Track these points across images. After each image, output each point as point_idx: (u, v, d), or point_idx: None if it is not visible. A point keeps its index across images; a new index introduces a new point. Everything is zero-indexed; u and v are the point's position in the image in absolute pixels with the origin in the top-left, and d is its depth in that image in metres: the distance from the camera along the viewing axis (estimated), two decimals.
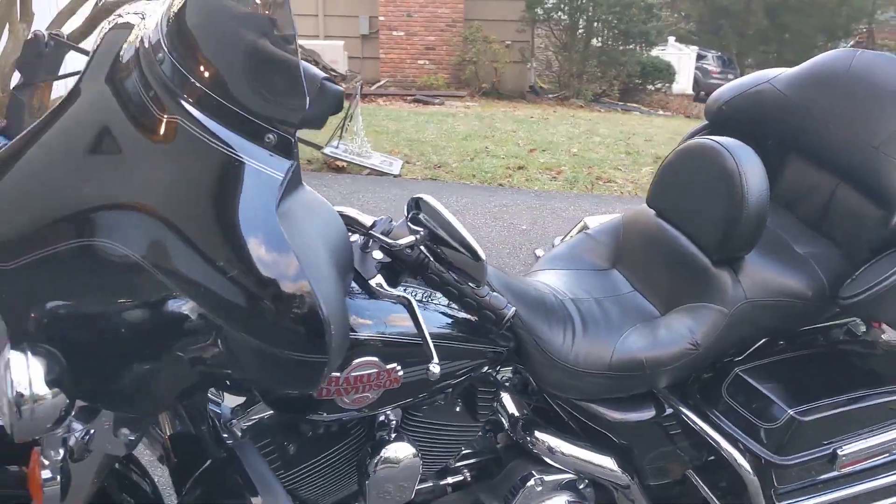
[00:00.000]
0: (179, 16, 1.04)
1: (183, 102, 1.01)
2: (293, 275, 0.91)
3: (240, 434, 1.32)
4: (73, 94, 1.15)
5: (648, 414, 1.65)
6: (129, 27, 1.16)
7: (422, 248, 1.09)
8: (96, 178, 1.02)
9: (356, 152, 5.95)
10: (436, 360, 1.12)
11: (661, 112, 16.93)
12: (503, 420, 1.62)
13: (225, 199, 0.95)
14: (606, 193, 6.14)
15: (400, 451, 1.36)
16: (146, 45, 1.11)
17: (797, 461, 1.58)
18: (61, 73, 1.69)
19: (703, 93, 22.71)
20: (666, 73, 19.20)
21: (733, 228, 1.56)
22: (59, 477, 1.09)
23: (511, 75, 16.38)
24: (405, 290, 1.22)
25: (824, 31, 26.67)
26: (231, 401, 1.37)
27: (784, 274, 1.64)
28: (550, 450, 1.59)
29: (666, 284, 1.70)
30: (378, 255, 1.14)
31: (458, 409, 1.51)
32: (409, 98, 12.85)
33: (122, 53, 1.17)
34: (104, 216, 0.99)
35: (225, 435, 1.31)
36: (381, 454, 1.34)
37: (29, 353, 0.97)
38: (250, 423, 1.34)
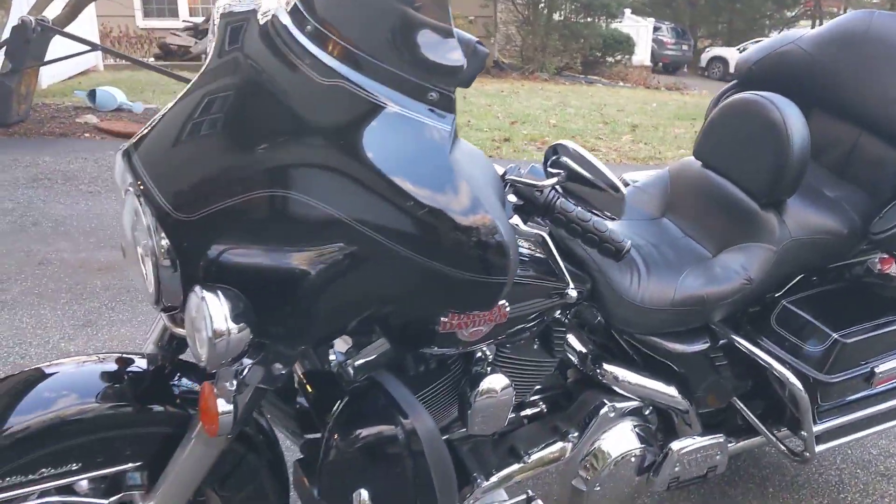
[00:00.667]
0: None
1: (344, 68, 1.13)
2: (476, 209, 1.05)
3: (352, 372, 1.45)
4: (218, 67, 1.28)
5: (704, 345, 1.82)
6: (246, 5, 1.29)
7: (556, 188, 1.24)
8: (269, 139, 1.14)
9: None
10: (572, 285, 1.28)
11: (622, 84, 17.21)
12: (571, 356, 1.78)
13: (401, 151, 1.08)
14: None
15: (497, 382, 1.51)
16: (283, 19, 1.23)
17: (840, 379, 1.78)
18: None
19: (660, 63, 23.05)
20: (626, 45, 19.50)
21: (780, 174, 1.74)
22: (232, 407, 1.22)
23: None
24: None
25: (774, 0, 27.21)
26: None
27: (822, 214, 1.83)
28: (618, 380, 1.76)
29: (716, 228, 1.88)
30: (512, 198, 1.29)
31: (535, 346, 1.67)
32: None
33: (253, 29, 1.29)
34: (281, 170, 1.12)
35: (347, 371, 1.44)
36: (481, 386, 1.48)
37: (220, 293, 1.10)
38: (361, 363, 1.47)
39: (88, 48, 5.75)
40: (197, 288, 1.11)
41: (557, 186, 1.22)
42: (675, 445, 1.84)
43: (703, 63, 24.60)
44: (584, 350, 1.78)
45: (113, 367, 1.41)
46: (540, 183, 1.23)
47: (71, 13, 5.95)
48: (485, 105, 8.97)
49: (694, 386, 1.84)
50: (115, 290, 3.26)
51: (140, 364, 1.43)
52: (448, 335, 1.37)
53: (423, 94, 1.10)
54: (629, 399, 1.79)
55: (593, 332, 1.81)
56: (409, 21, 1.13)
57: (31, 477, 1.26)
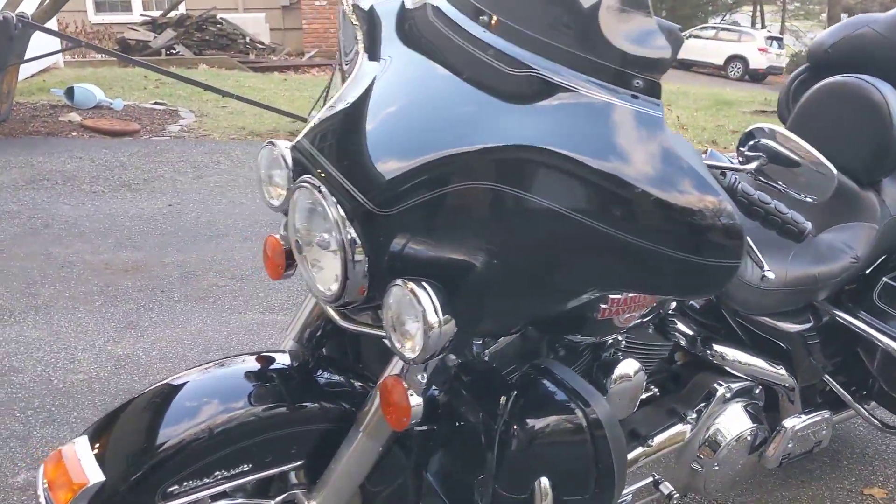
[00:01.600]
0: None
1: (536, 59, 1.12)
2: (705, 191, 1.04)
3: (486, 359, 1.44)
4: (385, 60, 1.26)
5: (809, 323, 1.87)
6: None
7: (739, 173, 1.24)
8: (469, 131, 1.11)
9: None
10: (766, 266, 1.29)
11: None
12: (682, 339, 1.80)
13: (614, 138, 1.07)
14: None
15: (631, 367, 1.52)
16: (447, 11, 1.22)
17: None
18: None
19: None
20: None
21: (882, 153, 1.79)
22: (422, 400, 1.20)
23: None
24: None
25: None
26: None
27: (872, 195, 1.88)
28: (729, 360, 1.79)
29: (816, 209, 1.92)
30: None
31: (650, 331, 1.69)
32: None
33: (414, 20, 1.28)
34: (484, 162, 1.09)
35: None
36: (616, 371, 1.49)
37: (426, 286, 1.08)
38: (495, 349, 1.46)
39: (72, 45, 5.60)
40: (401, 281, 1.09)
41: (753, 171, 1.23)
42: (788, 423, 1.88)
43: None
44: (692, 333, 1.80)
45: (257, 367, 1.39)
46: (744, 167, 1.23)
47: (51, 8, 5.76)
48: None
49: (798, 363, 1.88)
50: (148, 290, 3.19)
51: (282, 361, 1.42)
52: (604, 322, 1.38)
53: (627, 81, 1.09)
54: (740, 379, 1.81)
55: (702, 314, 1.84)
56: (611, 8, 1.12)
57: (206, 480, 1.25)
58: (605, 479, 1.36)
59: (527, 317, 1.24)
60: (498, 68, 1.14)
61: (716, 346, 1.78)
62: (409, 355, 1.12)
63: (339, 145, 1.21)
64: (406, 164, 1.13)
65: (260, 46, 13.85)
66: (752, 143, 1.24)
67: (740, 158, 1.25)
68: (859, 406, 2.03)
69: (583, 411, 1.32)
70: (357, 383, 1.44)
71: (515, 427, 1.30)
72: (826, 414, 1.95)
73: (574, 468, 1.35)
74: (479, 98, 1.15)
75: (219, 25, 13.21)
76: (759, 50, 23.65)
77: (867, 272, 1.94)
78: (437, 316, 1.07)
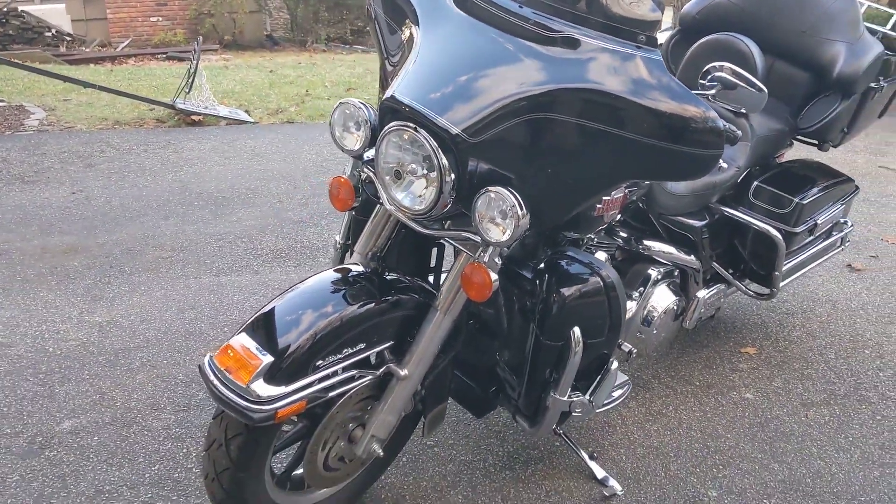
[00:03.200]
0: None
1: (565, 25, 1.62)
2: (700, 105, 1.57)
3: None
4: (449, 27, 1.70)
5: (706, 219, 2.52)
6: None
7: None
8: (524, 77, 1.59)
9: (204, 106, 6.16)
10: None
11: None
12: (621, 240, 2.37)
13: (632, 75, 1.58)
14: None
15: (602, 257, 2.10)
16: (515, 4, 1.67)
17: (800, 230, 2.56)
18: None
19: None
20: None
21: None
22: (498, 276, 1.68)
23: (249, 26, 16.41)
24: None
25: None
26: None
27: (768, 119, 2.58)
28: (655, 252, 2.40)
29: None
30: None
31: (603, 234, 2.25)
32: (161, 56, 12.48)
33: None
34: (544, 98, 1.57)
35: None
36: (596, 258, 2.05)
37: (509, 190, 1.56)
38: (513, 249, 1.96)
39: None
40: (492, 188, 1.56)
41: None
42: (700, 294, 2.53)
43: None
44: (628, 234, 2.38)
45: (348, 276, 1.81)
46: (706, 92, 1.78)
47: None
48: (298, 76, 9.21)
49: (701, 250, 2.52)
50: (97, 268, 3.38)
51: (358, 270, 1.84)
52: (598, 218, 1.93)
53: (634, 36, 1.62)
54: (664, 265, 2.43)
55: (634, 219, 2.42)
56: None
57: (338, 356, 1.66)
58: (615, 325, 1.91)
59: (572, 211, 1.75)
60: (539, 32, 1.63)
61: (646, 242, 2.38)
62: (501, 238, 1.59)
63: (431, 93, 1.62)
64: (489, 103, 1.58)
65: (68, 38, 13.22)
66: (709, 76, 1.80)
67: (701, 86, 1.81)
68: (738, 283, 2.72)
69: (600, 277, 1.86)
70: (417, 280, 1.90)
71: (555, 294, 1.81)
72: (721, 286, 2.63)
73: (596, 319, 1.88)
74: (531, 52, 1.62)
75: (22, 18, 12.49)
76: None
77: (741, 178, 2.62)
78: (524, 209, 1.55)
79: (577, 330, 1.83)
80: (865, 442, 2.46)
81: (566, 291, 1.82)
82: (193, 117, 6.05)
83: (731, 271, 2.73)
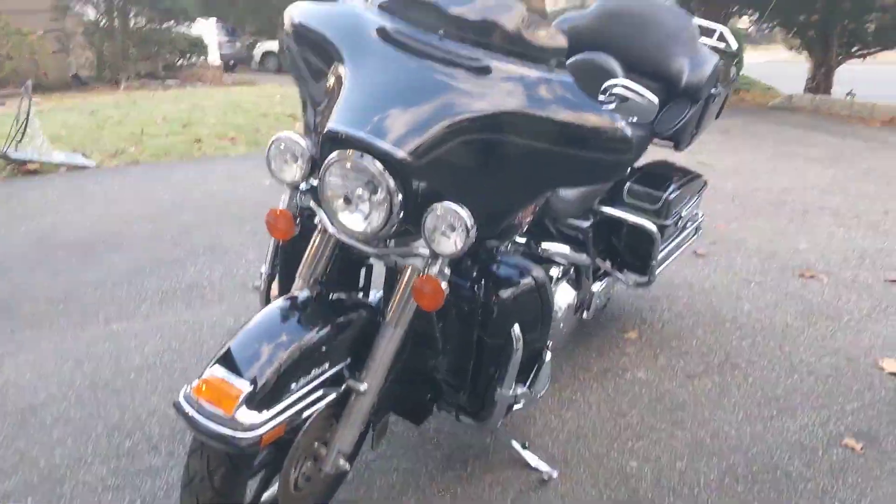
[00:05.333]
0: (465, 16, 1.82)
1: (482, 53, 1.79)
2: (612, 118, 1.80)
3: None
4: (378, 57, 1.83)
5: (591, 220, 2.79)
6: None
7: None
8: (462, 105, 1.75)
9: (39, 153, 5.85)
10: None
11: (199, 84, 17.68)
12: (521, 244, 2.59)
13: (547, 94, 1.78)
14: None
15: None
16: (406, 30, 1.83)
17: (670, 222, 2.88)
18: None
19: (231, 62, 23.86)
20: (200, 47, 19.95)
21: None
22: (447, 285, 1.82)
23: (53, 67, 15.60)
24: None
25: None
26: None
27: (635, 127, 2.88)
28: (553, 253, 2.63)
29: None
30: None
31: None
32: None
33: (387, 31, 1.86)
34: (477, 121, 1.73)
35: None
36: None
37: (454, 205, 1.71)
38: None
39: None
40: (439, 204, 1.71)
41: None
42: (594, 288, 2.79)
43: (258, 58, 26.10)
44: (527, 238, 2.60)
45: (299, 303, 1.89)
46: (608, 107, 2.01)
47: None
48: (123, 115, 8.89)
49: (589, 248, 2.79)
50: None
51: (307, 296, 1.93)
52: (518, 225, 2.13)
53: (546, 61, 1.82)
54: (561, 265, 2.66)
55: (531, 224, 2.64)
56: (525, 20, 1.84)
57: (307, 377, 1.75)
58: (546, 319, 2.11)
59: (508, 220, 1.93)
60: (462, 62, 1.80)
61: (544, 245, 2.60)
62: (453, 250, 1.73)
63: (370, 121, 1.72)
64: (427, 127, 1.71)
65: None
66: (608, 92, 2.04)
67: (600, 101, 2.05)
68: (619, 274, 3.01)
69: (532, 278, 2.04)
70: (359, 298, 2.01)
71: (494, 297, 1.98)
72: (609, 280, 2.91)
73: (531, 315, 2.07)
74: (458, 79, 1.78)
75: None
76: None
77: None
78: (472, 221, 1.71)
79: (516, 327, 2.01)
80: (745, 402, 2.81)
81: (504, 294, 2.00)
82: (29, 166, 5.72)
83: (610, 265, 3.02)
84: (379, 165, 1.67)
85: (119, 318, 3.33)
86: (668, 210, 2.88)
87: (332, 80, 1.94)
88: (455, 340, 2.05)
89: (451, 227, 1.71)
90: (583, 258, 2.74)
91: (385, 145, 1.68)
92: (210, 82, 18.38)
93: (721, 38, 3.32)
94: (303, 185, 1.92)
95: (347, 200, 1.77)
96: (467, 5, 1.88)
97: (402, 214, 1.72)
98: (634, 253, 2.97)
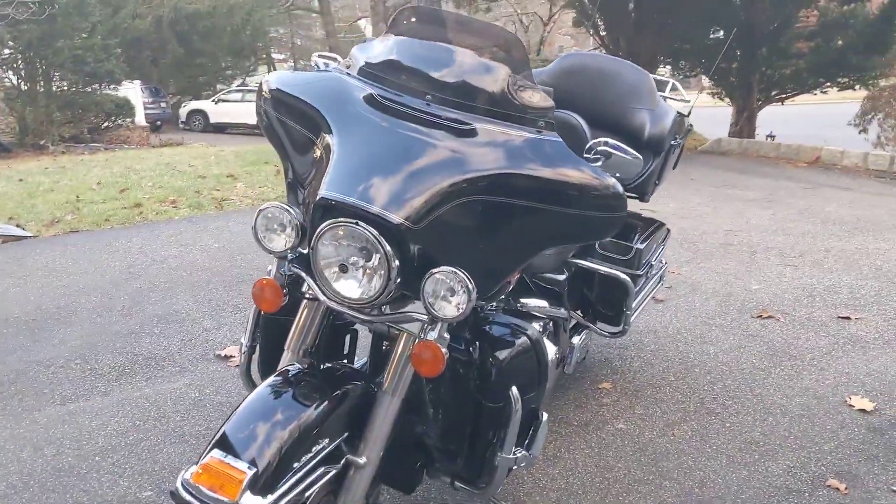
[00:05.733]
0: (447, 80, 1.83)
1: (471, 117, 1.80)
2: (604, 177, 1.80)
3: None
4: (369, 124, 1.81)
5: (566, 273, 2.79)
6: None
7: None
8: (460, 164, 1.73)
9: None
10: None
11: (126, 146, 17.48)
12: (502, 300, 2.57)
13: (539, 156, 1.78)
14: (233, 209, 6.89)
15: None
16: (393, 96, 1.83)
17: (642, 271, 2.91)
18: None
19: (158, 122, 23.62)
20: (127, 108, 19.75)
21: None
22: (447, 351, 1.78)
23: None
24: None
25: (231, 52, 29.35)
26: None
27: None
28: (532, 307, 2.62)
29: None
30: None
31: None
32: None
33: (372, 98, 1.84)
34: (471, 184, 1.72)
35: None
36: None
37: (457, 270, 1.68)
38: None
39: None
40: (437, 269, 1.68)
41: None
42: (575, 341, 2.77)
43: (184, 117, 26.02)
44: (505, 295, 2.58)
45: (291, 378, 1.83)
46: (591, 160, 2.02)
47: None
48: (54, 182, 8.63)
49: (566, 302, 2.78)
50: None
51: (298, 369, 1.87)
52: (507, 283, 2.11)
53: (534, 123, 1.83)
54: (541, 319, 2.65)
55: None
56: (512, 84, 1.85)
57: (309, 455, 1.69)
58: (543, 378, 2.08)
59: (504, 279, 1.90)
60: (449, 126, 1.79)
61: (522, 300, 2.59)
62: (455, 314, 1.70)
63: (363, 187, 1.69)
64: (422, 192, 1.69)
65: None
66: (593, 151, 2.05)
67: (587, 159, 2.06)
68: (593, 325, 3.02)
69: (527, 336, 2.02)
70: (349, 367, 1.96)
71: (491, 359, 1.95)
72: (586, 333, 2.90)
73: (529, 375, 2.03)
74: (448, 142, 1.77)
75: None
76: None
77: None
78: (473, 284, 1.68)
79: (514, 389, 1.97)
80: (727, 447, 2.82)
81: (500, 355, 1.96)
82: None
83: (582, 316, 3.03)
84: (374, 231, 1.64)
85: (76, 397, 3.16)
86: (639, 260, 2.91)
87: (318, 149, 1.91)
88: (449, 405, 2.00)
89: (451, 290, 1.68)
90: (561, 312, 2.73)
91: (381, 211, 1.65)
92: (137, 144, 18.23)
93: (674, 89, 3.42)
94: (289, 255, 1.87)
95: (343, 268, 1.73)
96: (452, 69, 1.89)
97: (399, 280, 1.69)
98: (607, 304, 2.98)
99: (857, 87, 13.43)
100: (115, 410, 3.04)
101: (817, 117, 14.82)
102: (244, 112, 24.56)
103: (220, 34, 27.20)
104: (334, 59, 2.24)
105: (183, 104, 27.17)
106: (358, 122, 1.84)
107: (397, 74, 1.90)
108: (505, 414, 1.98)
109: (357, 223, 1.65)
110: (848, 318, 4.18)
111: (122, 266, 4.99)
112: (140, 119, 20.83)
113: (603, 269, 2.85)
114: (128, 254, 5.26)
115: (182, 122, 25.93)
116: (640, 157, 2.06)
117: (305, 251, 1.80)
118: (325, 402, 1.74)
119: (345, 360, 2.20)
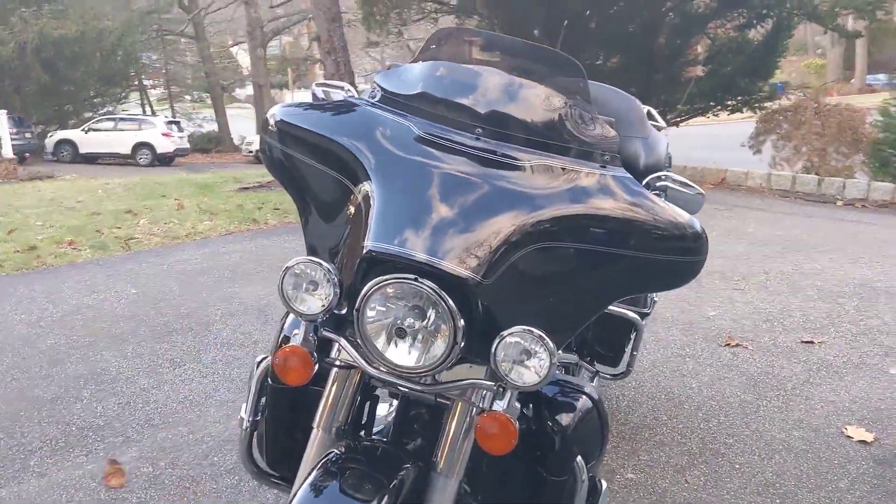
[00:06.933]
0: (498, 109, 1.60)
1: (535, 154, 1.57)
2: (680, 215, 1.58)
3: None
4: (407, 170, 1.54)
5: None
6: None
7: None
8: (527, 206, 1.48)
9: None
10: None
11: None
12: None
13: (610, 194, 1.55)
14: (146, 248, 6.35)
15: None
16: (440, 131, 1.59)
17: (650, 310, 2.72)
18: None
19: (26, 154, 22.22)
20: None
21: None
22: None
23: None
24: None
25: (101, 79, 28.01)
26: None
27: None
28: None
29: None
30: None
31: None
32: None
33: (416, 137, 1.59)
34: (539, 229, 1.48)
35: None
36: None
37: (534, 330, 1.43)
38: None
39: None
40: (512, 329, 1.42)
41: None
42: (587, 389, 2.55)
43: (50, 148, 24.81)
44: None
45: (342, 464, 1.54)
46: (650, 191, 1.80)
47: None
48: None
49: (575, 346, 2.57)
50: None
51: (339, 452, 1.58)
52: None
53: (599, 158, 1.61)
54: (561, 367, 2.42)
55: None
56: (573, 111, 1.62)
57: None
58: (605, 440, 1.83)
59: (573, 334, 1.65)
60: (508, 162, 1.55)
61: None
62: (535, 381, 1.44)
63: (420, 238, 1.44)
64: (488, 240, 1.44)
65: None
66: (652, 188, 1.84)
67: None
68: (593, 368, 2.81)
69: (588, 397, 1.77)
70: (390, 447, 1.68)
71: (554, 427, 1.69)
72: (598, 378, 2.69)
73: (592, 440, 1.79)
74: (509, 183, 1.53)
75: None
76: (164, 135, 25.20)
77: None
78: (553, 345, 1.43)
79: (579, 458, 1.73)
80: (744, 492, 2.65)
81: (563, 420, 1.72)
82: None
83: (579, 358, 2.82)
84: (436, 287, 1.38)
85: (6, 481, 2.68)
86: (646, 298, 2.73)
87: (354, 194, 1.62)
88: (502, 480, 1.73)
89: (527, 353, 1.43)
90: (572, 357, 2.52)
91: (447, 265, 1.39)
92: (4, 177, 17.10)
93: (650, 116, 3.28)
94: (321, 318, 1.56)
95: (400, 332, 1.44)
96: (503, 98, 1.67)
97: (463, 343, 1.42)
98: (606, 344, 2.78)
99: (744, 109, 13.99)
100: (54, 493, 2.58)
101: (705, 138, 15.37)
102: (116, 141, 23.56)
103: (88, 60, 25.98)
104: (341, 88, 1.97)
105: (49, 134, 25.76)
106: (401, 162, 1.58)
107: (438, 105, 1.66)
108: (570, 488, 1.72)
109: (416, 279, 1.38)
110: (811, 342, 4.15)
111: (30, 320, 4.43)
112: (7, 151, 19.45)
113: (616, 310, 2.65)
114: (32, 304, 4.70)
115: (48, 152, 24.59)
116: (703, 192, 1.88)
117: (339, 311, 1.52)
118: (385, 497, 1.45)
119: (362, 432, 1.90)
